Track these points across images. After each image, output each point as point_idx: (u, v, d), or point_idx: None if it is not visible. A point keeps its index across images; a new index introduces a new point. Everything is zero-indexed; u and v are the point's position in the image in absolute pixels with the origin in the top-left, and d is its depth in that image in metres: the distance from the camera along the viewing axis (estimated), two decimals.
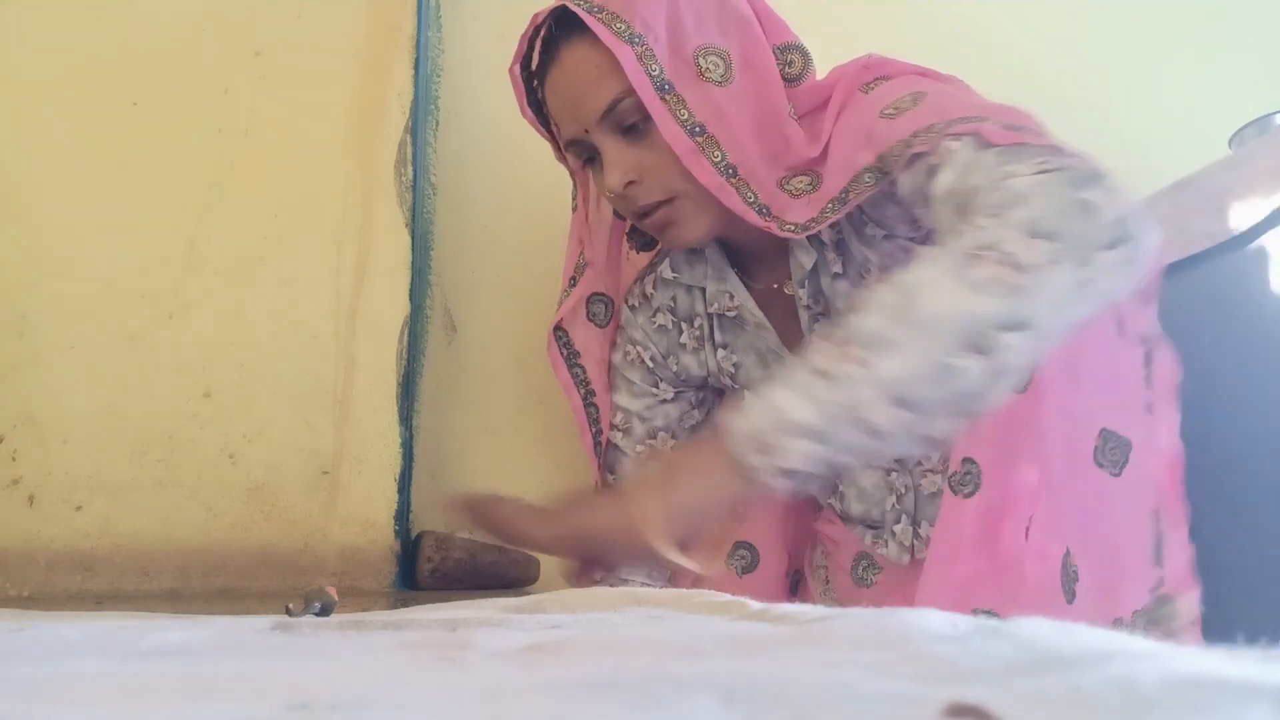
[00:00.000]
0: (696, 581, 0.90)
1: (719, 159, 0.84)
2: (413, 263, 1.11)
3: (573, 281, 1.04)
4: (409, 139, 1.12)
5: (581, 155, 0.92)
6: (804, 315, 0.93)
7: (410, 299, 1.11)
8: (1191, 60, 1.66)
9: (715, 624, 0.48)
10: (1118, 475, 0.77)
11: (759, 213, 0.85)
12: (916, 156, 0.77)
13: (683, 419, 1.04)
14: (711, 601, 0.55)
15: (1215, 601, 0.92)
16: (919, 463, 0.93)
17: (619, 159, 0.86)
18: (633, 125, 0.86)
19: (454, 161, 1.26)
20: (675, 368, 1.03)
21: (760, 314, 0.96)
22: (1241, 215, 0.96)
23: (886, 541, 0.96)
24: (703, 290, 1.00)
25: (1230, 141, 1.20)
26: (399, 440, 1.08)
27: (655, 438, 1.03)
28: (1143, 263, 0.69)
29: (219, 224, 1.05)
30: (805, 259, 0.90)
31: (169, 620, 0.58)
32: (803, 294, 0.92)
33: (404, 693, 0.32)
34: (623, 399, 1.04)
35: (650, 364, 1.04)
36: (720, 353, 1.00)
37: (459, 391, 1.23)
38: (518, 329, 1.25)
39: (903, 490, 0.94)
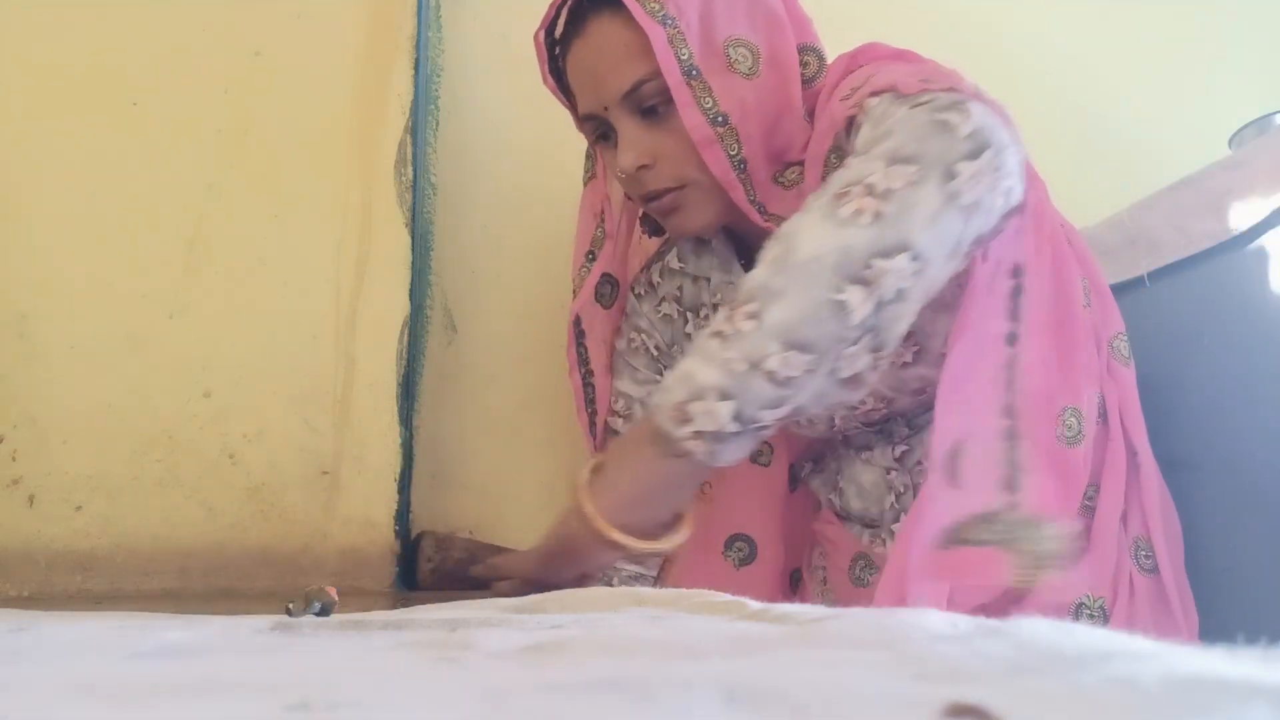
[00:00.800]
0: (681, 569, 0.90)
1: (735, 152, 0.84)
2: (413, 263, 1.11)
3: (590, 256, 1.03)
4: (409, 139, 1.12)
5: (596, 131, 0.91)
6: None
7: (410, 299, 1.11)
8: (1191, 60, 1.66)
9: (715, 624, 0.48)
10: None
11: (759, 211, 0.85)
12: (850, 123, 0.79)
13: None
14: (711, 601, 0.55)
15: (1215, 601, 0.92)
16: (919, 461, 0.93)
17: (635, 141, 0.86)
18: (652, 108, 0.85)
19: (454, 161, 1.26)
20: (680, 356, 1.02)
21: None
22: (1241, 215, 0.96)
23: (884, 540, 0.96)
24: (708, 280, 1.00)
25: (1230, 141, 1.20)
26: (399, 440, 1.08)
27: None
28: (1008, 169, 0.70)
29: (219, 224, 1.05)
30: None
31: (169, 620, 0.58)
32: None
33: (404, 693, 0.32)
34: (625, 385, 1.05)
35: (654, 352, 1.04)
36: None
37: (459, 391, 1.23)
38: (518, 329, 1.25)
39: (901, 489, 0.94)
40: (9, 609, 0.65)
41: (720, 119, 0.83)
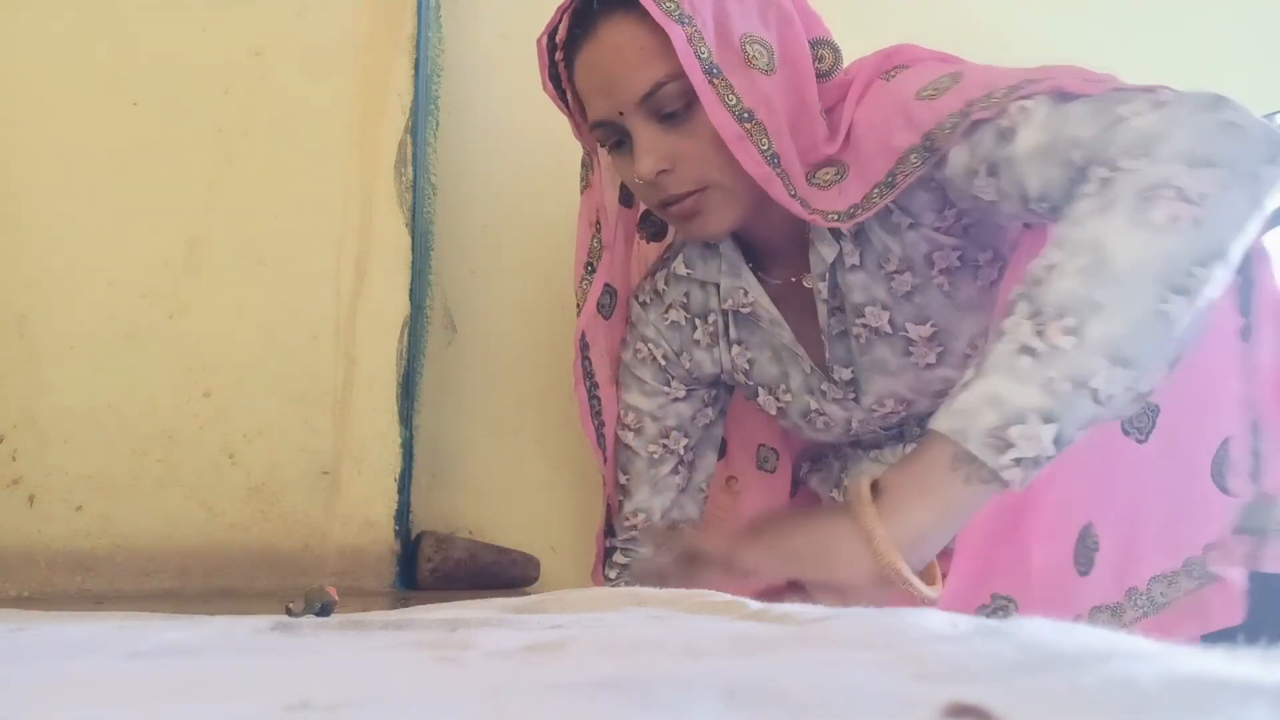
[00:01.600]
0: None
1: (765, 147, 0.82)
2: (413, 263, 1.11)
3: (589, 268, 1.02)
4: (409, 139, 1.12)
5: (609, 138, 0.88)
6: (822, 309, 0.91)
7: (410, 299, 1.11)
8: (1191, 60, 1.66)
9: (715, 624, 0.48)
10: (1144, 442, 0.77)
11: (801, 205, 0.83)
12: (976, 125, 0.76)
13: (695, 417, 1.03)
14: (711, 601, 0.55)
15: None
16: None
17: (653, 145, 0.83)
18: (671, 112, 0.83)
19: (454, 161, 1.26)
20: (688, 364, 1.02)
21: (775, 310, 0.94)
22: None
23: None
24: (716, 286, 0.98)
25: None
26: (399, 440, 1.08)
27: (668, 437, 1.02)
28: None
29: (219, 224, 1.05)
30: (827, 251, 0.88)
31: (169, 620, 0.58)
32: (822, 287, 0.90)
33: (404, 693, 0.32)
34: (634, 398, 1.03)
35: (662, 361, 1.02)
36: (734, 349, 0.99)
37: (459, 391, 1.23)
38: (518, 329, 1.25)
39: None
40: (9, 609, 0.65)
41: (746, 115, 0.82)
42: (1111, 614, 0.76)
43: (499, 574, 1.11)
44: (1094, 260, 0.64)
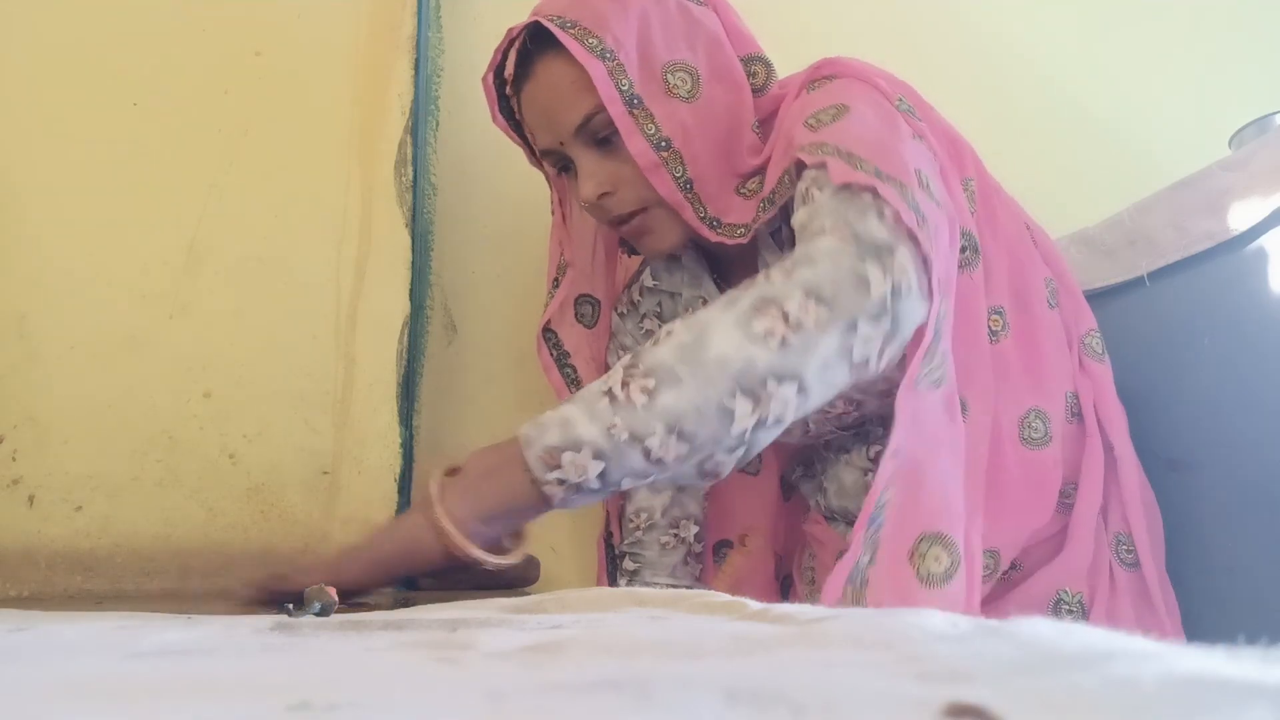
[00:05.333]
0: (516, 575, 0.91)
1: (680, 174, 0.87)
2: (413, 263, 1.11)
3: (555, 283, 1.08)
4: (409, 139, 1.12)
5: (557, 164, 0.95)
6: None
7: (410, 299, 1.11)
8: (1191, 60, 1.66)
9: (715, 624, 0.48)
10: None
11: (710, 227, 0.88)
12: (800, 172, 0.81)
13: None
14: (711, 601, 0.55)
15: (1215, 601, 0.92)
16: None
17: (593, 171, 0.89)
18: (606, 138, 0.89)
19: (454, 161, 1.26)
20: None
21: None
22: (1241, 215, 0.96)
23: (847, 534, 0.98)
24: (680, 296, 1.04)
25: (1230, 141, 1.20)
26: (399, 440, 1.08)
27: None
28: (901, 339, 0.75)
29: (219, 224, 1.05)
30: (771, 259, 0.93)
31: (169, 620, 0.58)
32: None
33: (404, 693, 0.32)
34: None
35: None
36: None
37: (459, 391, 1.23)
38: (518, 329, 1.25)
39: None
40: (9, 609, 0.65)
41: (664, 144, 0.86)
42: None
43: (499, 574, 1.11)
44: (694, 340, 0.71)
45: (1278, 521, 0.92)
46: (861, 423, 0.97)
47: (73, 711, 0.29)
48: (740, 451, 0.73)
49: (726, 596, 0.56)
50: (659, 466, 0.71)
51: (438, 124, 1.26)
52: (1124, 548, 0.94)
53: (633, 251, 1.09)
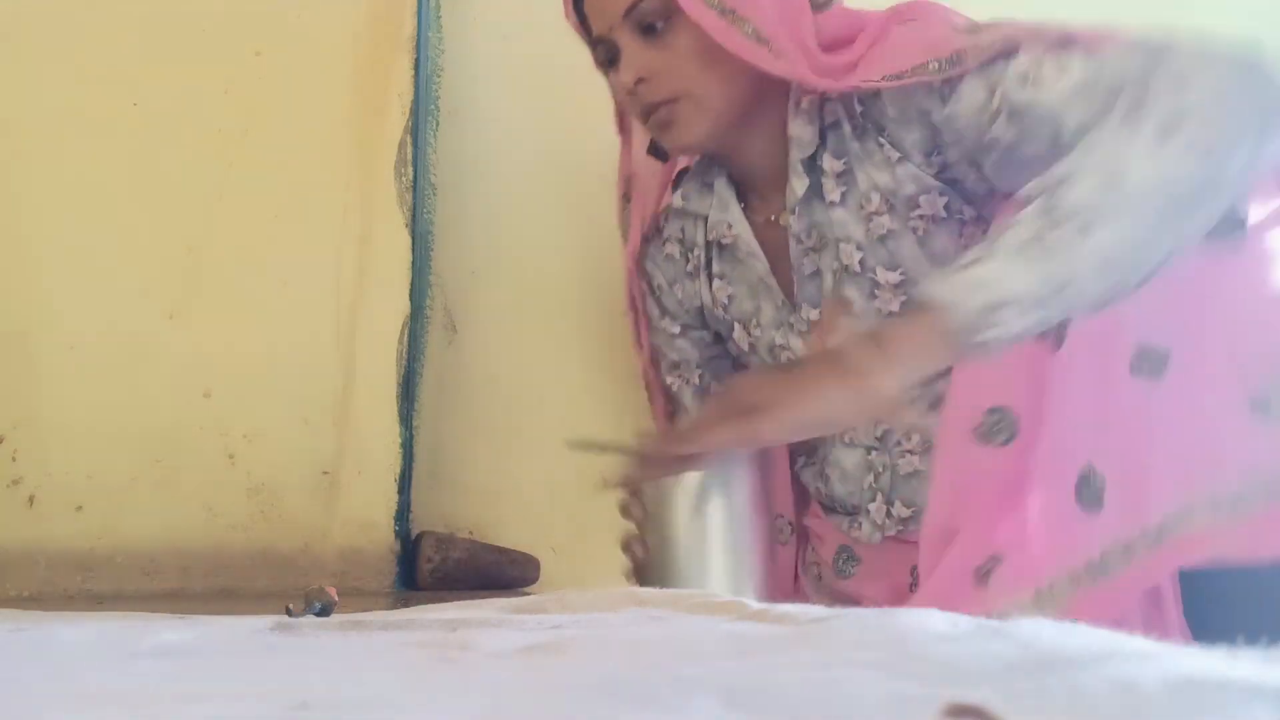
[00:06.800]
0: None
1: (749, 29, 0.86)
2: (413, 263, 1.11)
3: (626, 198, 1.08)
4: (409, 139, 1.12)
5: (605, 56, 0.94)
6: (794, 247, 0.95)
7: (410, 299, 1.11)
8: None
9: (715, 624, 0.48)
10: (1158, 379, 0.79)
11: (792, 68, 0.86)
12: (999, 59, 0.80)
13: (708, 361, 1.06)
14: (711, 602, 0.55)
15: (1215, 602, 0.92)
16: (898, 442, 0.94)
17: (634, 56, 0.90)
18: (652, 26, 0.89)
19: (454, 161, 1.26)
20: (680, 295, 1.05)
21: (754, 244, 0.98)
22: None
23: (861, 523, 0.97)
24: (705, 219, 1.02)
25: None
26: (399, 440, 1.08)
27: (678, 369, 1.06)
28: None
29: (219, 224, 1.05)
30: (798, 184, 0.92)
31: (169, 620, 0.58)
32: (794, 222, 0.94)
33: (404, 693, 0.32)
34: (649, 333, 1.08)
35: (659, 294, 1.06)
36: (716, 283, 1.02)
37: (459, 391, 1.23)
38: (518, 329, 1.25)
39: (880, 469, 0.95)
40: (9, 609, 0.65)
41: (728, 10, 0.86)
42: (1124, 552, 0.77)
43: (499, 574, 1.11)
44: (1111, 174, 0.70)
45: None
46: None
47: (73, 711, 0.29)
48: (1148, 279, 0.73)
49: (726, 596, 0.56)
50: (1091, 307, 0.72)
51: (438, 124, 1.26)
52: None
53: (662, 158, 1.08)
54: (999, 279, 0.70)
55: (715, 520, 0.80)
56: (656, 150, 1.05)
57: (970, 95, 0.82)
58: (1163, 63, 0.75)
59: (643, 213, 1.07)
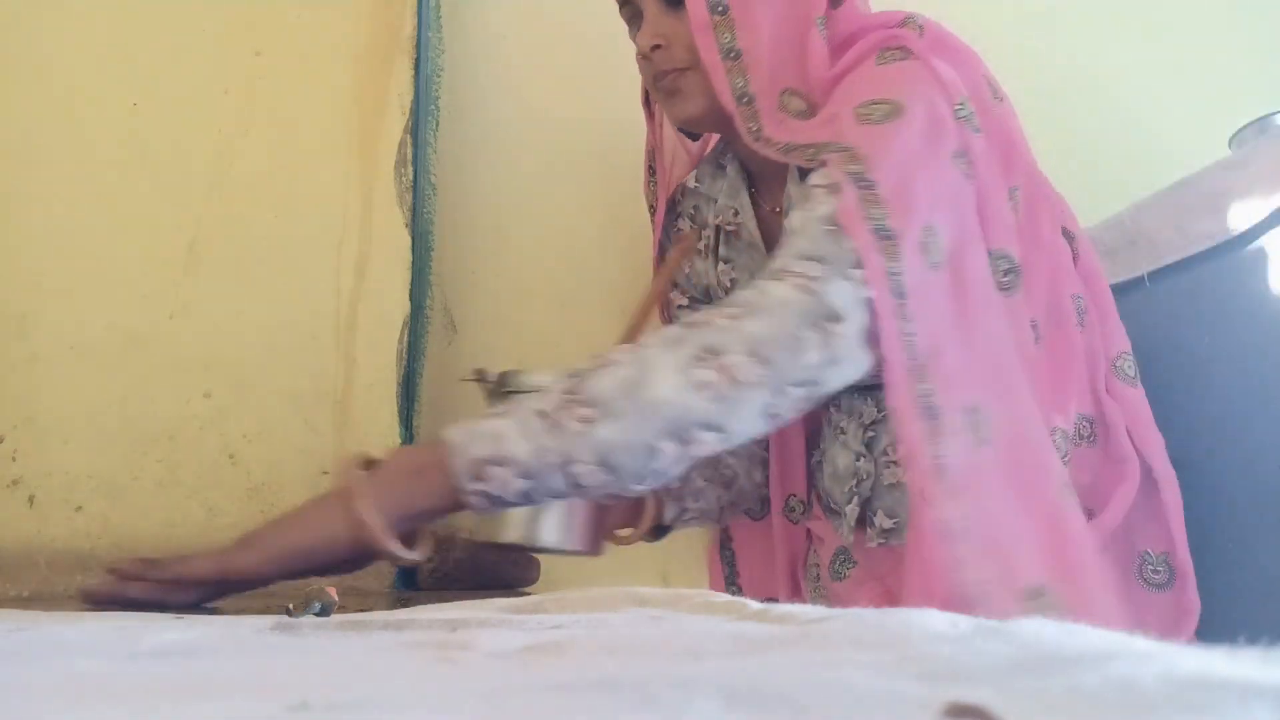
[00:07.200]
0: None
1: (727, 40, 0.89)
2: (413, 263, 1.11)
3: (651, 170, 1.12)
4: (409, 139, 1.12)
5: (630, 16, 0.97)
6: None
7: (410, 299, 1.11)
8: (1191, 60, 1.66)
9: (715, 624, 0.48)
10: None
11: (738, 99, 0.89)
12: (821, 167, 0.83)
13: None
14: (711, 601, 0.55)
15: (1215, 602, 0.92)
16: (884, 451, 0.94)
17: (652, 21, 0.93)
18: None
19: (454, 161, 1.26)
20: (688, 270, 1.09)
21: (756, 233, 1.02)
22: (1241, 215, 0.96)
23: (837, 527, 0.99)
24: (715, 201, 1.05)
25: (1230, 141, 1.20)
26: (399, 440, 1.08)
27: None
28: (817, 402, 0.80)
29: (219, 224, 1.05)
30: (793, 187, 0.95)
31: (169, 620, 0.58)
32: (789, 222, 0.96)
33: (404, 693, 0.32)
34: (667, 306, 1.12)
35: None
36: (721, 266, 1.06)
37: (459, 391, 1.23)
38: (518, 329, 1.25)
39: (864, 476, 0.96)
40: (9, 609, 0.65)
41: (720, 8, 0.88)
42: None
43: (499, 574, 1.11)
44: (635, 377, 0.74)
45: (1278, 520, 0.92)
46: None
47: (73, 711, 0.29)
48: (650, 484, 0.77)
49: (726, 596, 0.56)
50: (578, 491, 0.75)
51: (438, 124, 1.26)
52: (1150, 568, 0.91)
53: (690, 135, 1.12)
54: (502, 436, 0.73)
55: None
56: (687, 129, 1.08)
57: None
58: (771, 279, 0.78)
59: (667, 188, 1.11)
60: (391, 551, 0.73)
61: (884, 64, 0.88)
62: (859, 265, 0.77)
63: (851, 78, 0.89)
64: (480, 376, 0.96)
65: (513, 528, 0.92)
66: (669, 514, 1.00)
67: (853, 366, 0.78)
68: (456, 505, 0.74)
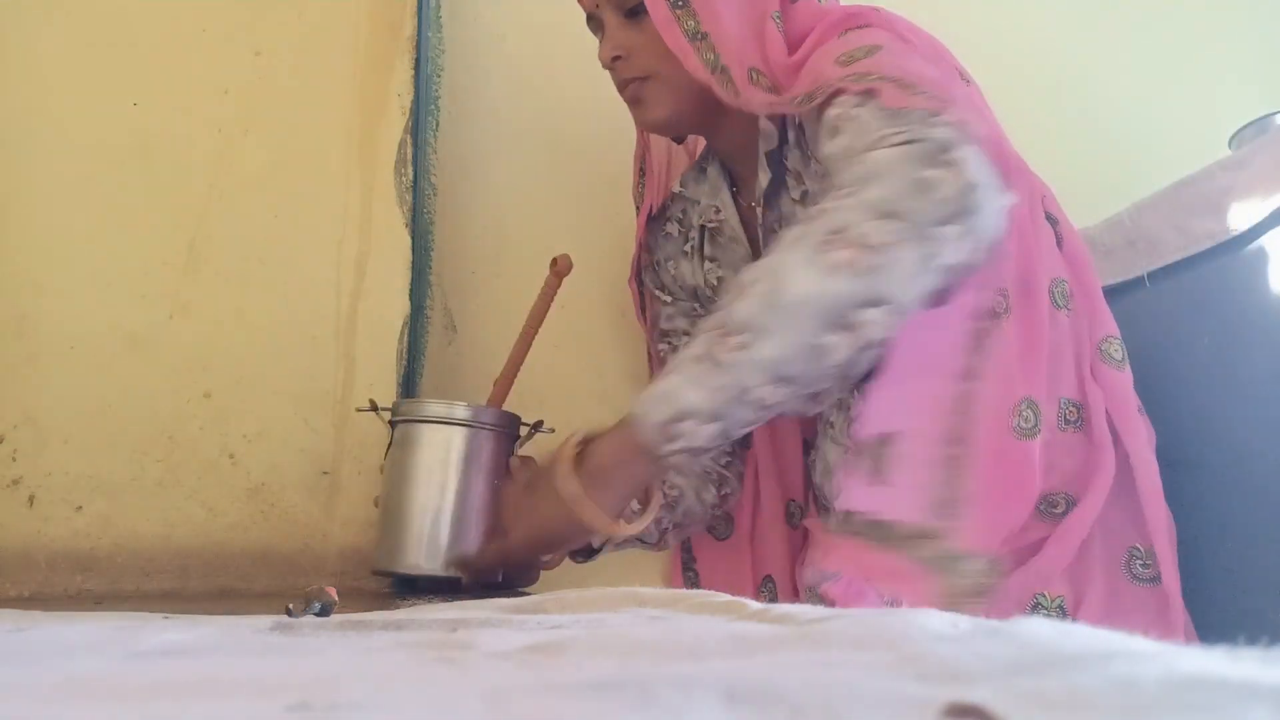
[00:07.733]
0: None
1: (691, 26, 0.90)
2: (413, 263, 1.11)
3: (641, 171, 1.15)
4: (409, 139, 1.12)
5: (595, 30, 1.00)
6: (765, 235, 1.00)
7: (410, 299, 1.11)
8: (1191, 60, 1.66)
9: (715, 624, 0.48)
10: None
11: (712, 70, 0.90)
12: (827, 104, 0.82)
13: (693, 327, 1.09)
14: (711, 601, 0.55)
15: (1215, 601, 0.92)
16: None
17: (613, 34, 0.96)
18: (634, 10, 0.94)
19: (454, 161, 1.26)
20: (673, 271, 1.12)
21: (739, 229, 1.04)
22: (1241, 215, 0.96)
23: (828, 521, 0.98)
24: (698, 203, 1.08)
25: (1230, 141, 1.20)
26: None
27: (668, 338, 1.13)
28: (984, 232, 0.75)
29: (219, 224, 1.05)
30: (763, 176, 0.97)
31: (169, 620, 0.58)
32: (761, 212, 0.99)
33: (404, 693, 0.32)
34: (649, 303, 1.16)
35: (655, 268, 1.14)
36: (707, 265, 1.08)
37: (459, 391, 1.23)
38: (518, 329, 1.25)
39: None
40: (9, 609, 0.65)
41: (680, 2, 0.90)
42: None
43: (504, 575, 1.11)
44: (770, 288, 0.74)
45: (1277, 520, 0.92)
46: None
47: (73, 711, 0.29)
48: (842, 372, 0.76)
49: (726, 596, 0.56)
50: (770, 410, 0.75)
51: (438, 124, 1.26)
52: (1139, 562, 0.89)
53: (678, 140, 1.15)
54: (674, 394, 0.75)
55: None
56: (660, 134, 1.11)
57: (809, 126, 0.87)
58: (861, 156, 0.76)
59: (655, 192, 1.13)
60: (625, 535, 0.81)
61: (847, 36, 0.90)
62: (936, 114, 0.76)
63: (819, 53, 0.90)
64: (373, 407, 0.97)
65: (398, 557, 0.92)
66: (598, 538, 0.97)
67: (992, 187, 0.75)
68: (665, 469, 0.79)
